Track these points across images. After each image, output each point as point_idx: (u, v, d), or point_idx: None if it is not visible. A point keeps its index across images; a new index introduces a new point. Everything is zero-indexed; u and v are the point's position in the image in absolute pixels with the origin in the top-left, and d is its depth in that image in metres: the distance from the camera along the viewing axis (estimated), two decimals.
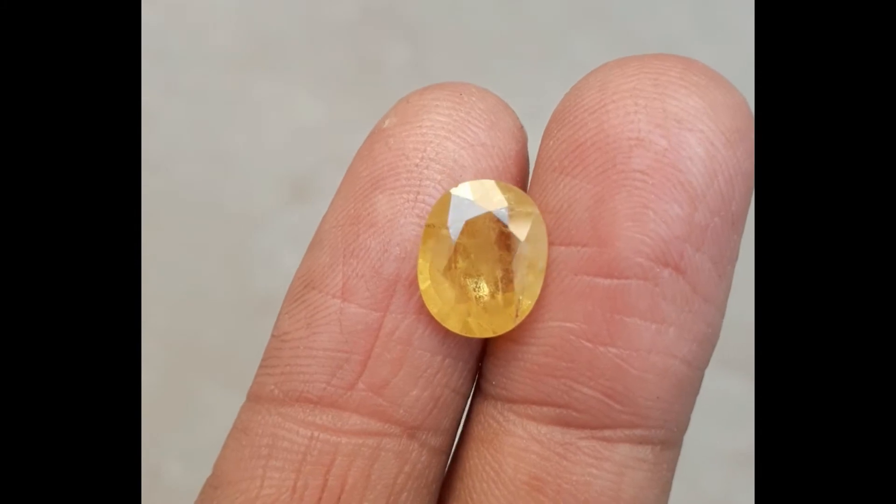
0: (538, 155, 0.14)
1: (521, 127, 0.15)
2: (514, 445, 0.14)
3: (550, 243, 0.14)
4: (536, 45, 0.37)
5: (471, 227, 0.14)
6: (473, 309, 0.14)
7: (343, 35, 0.37)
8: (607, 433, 0.14)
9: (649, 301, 0.14)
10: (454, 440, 0.15)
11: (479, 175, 0.14)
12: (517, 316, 0.14)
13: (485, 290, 0.14)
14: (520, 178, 0.15)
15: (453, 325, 0.14)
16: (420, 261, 0.14)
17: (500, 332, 0.14)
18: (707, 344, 0.14)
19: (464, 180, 0.14)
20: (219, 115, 0.37)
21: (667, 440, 0.14)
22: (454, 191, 0.14)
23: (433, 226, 0.14)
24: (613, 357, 0.14)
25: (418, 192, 0.14)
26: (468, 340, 0.15)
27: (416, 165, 0.14)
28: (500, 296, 0.14)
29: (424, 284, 0.14)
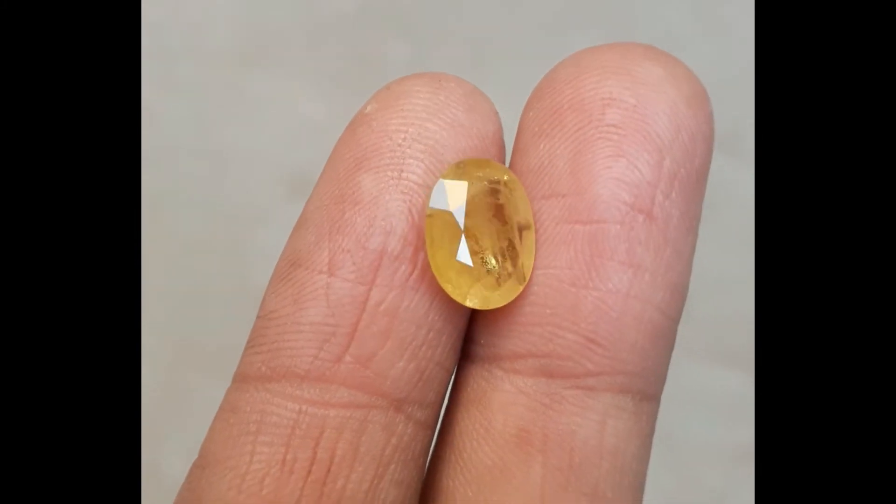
0: (518, 127, 0.15)
1: (497, 112, 0.16)
2: (501, 401, 0.15)
3: (533, 198, 0.15)
4: (537, 42, 0.36)
5: (469, 208, 0.15)
6: (488, 282, 0.15)
7: (342, 31, 0.37)
8: (590, 381, 0.15)
9: (626, 245, 0.15)
10: (439, 415, 0.16)
11: (460, 153, 0.15)
12: (525, 278, 0.15)
13: (492, 262, 0.15)
14: (498, 157, 0.16)
15: (472, 302, 0.15)
16: (428, 249, 0.15)
17: (513, 296, 0.15)
18: (678, 295, 0.15)
19: (445, 158, 0.15)
20: (218, 111, 0.37)
21: (645, 390, 0.15)
22: (442, 177, 0.15)
23: (433, 215, 0.15)
24: (594, 300, 0.14)
25: (402, 170, 0.15)
26: (451, 314, 0.15)
27: (399, 145, 0.15)
28: (508, 263, 0.15)
29: (437, 271, 0.15)
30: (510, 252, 0.15)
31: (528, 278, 0.15)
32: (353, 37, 0.37)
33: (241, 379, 0.15)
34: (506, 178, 0.15)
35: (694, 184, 0.15)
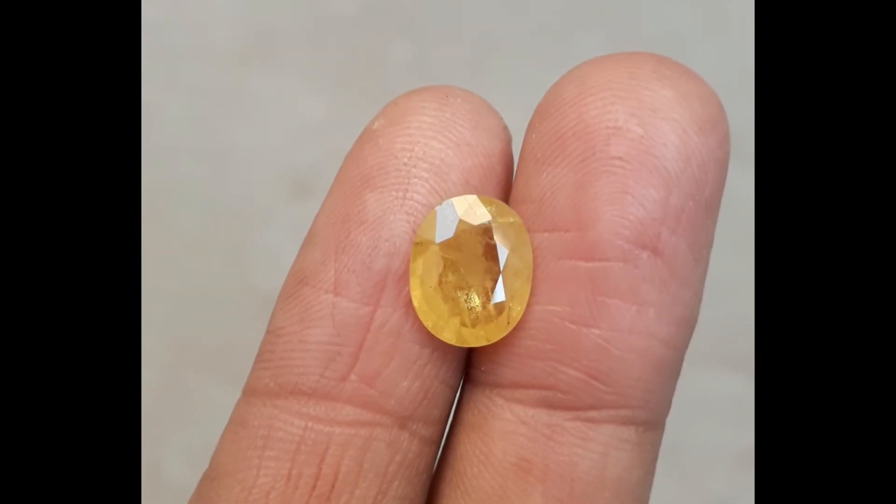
0: (521, 148, 0.15)
1: (505, 127, 0.15)
2: (502, 429, 0.15)
3: (534, 231, 0.15)
4: (541, 42, 0.36)
5: (457, 241, 0.15)
6: (467, 320, 0.15)
7: (345, 30, 0.37)
8: (592, 414, 0.15)
9: (630, 283, 0.14)
10: (444, 431, 0.16)
11: (465, 173, 0.15)
12: (509, 323, 0.15)
13: (476, 301, 0.15)
14: (504, 175, 0.15)
15: (448, 337, 0.15)
16: (411, 278, 0.15)
17: (494, 339, 0.15)
18: (685, 327, 0.15)
19: (450, 178, 0.15)
20: (219, 110, 0.37)
21: (649, 421, 0.15)
22: (439, 208, 0.15)
23: (421, 243, 0.15)
24: (596, 338, 0.14)
25: (406, 190, 0.15)
26: None
27: (405, 164, 0.15)
28: (490, 305, 0.15)
29: (417, 300, 0.15)
30: (496, 295, 0.15)
31: (512, 326, 0.15)
32: (354, 37, 0.37)
33: (250, 392, 0.15)
34: (511, 220, 0.15)
35: (703, 214, 0.14)
